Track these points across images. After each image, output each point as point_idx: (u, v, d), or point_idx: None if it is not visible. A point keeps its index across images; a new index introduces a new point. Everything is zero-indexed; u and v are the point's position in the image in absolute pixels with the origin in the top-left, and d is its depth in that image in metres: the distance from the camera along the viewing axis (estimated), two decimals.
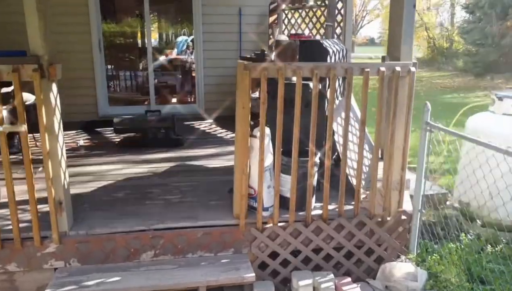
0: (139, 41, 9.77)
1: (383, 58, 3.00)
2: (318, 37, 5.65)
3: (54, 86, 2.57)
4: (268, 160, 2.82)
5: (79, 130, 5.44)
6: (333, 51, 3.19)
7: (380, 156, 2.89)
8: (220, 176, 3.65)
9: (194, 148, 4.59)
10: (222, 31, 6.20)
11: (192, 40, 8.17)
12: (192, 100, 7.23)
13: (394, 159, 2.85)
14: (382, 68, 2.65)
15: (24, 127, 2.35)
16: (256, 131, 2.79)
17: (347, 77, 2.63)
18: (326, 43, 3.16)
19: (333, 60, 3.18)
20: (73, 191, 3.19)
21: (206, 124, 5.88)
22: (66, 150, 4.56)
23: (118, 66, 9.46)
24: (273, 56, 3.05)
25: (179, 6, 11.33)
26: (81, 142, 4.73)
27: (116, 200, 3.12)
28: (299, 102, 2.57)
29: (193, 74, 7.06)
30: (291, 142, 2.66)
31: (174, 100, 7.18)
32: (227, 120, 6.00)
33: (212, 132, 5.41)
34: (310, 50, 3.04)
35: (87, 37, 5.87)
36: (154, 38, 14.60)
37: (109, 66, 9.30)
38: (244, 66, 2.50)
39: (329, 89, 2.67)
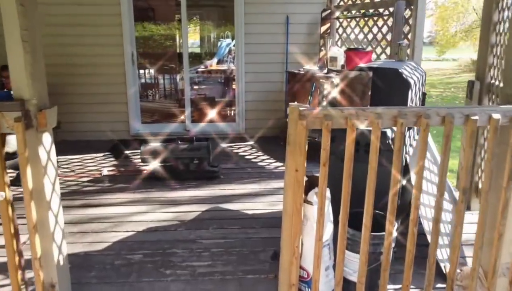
0: (176, 49, 9.31)
1: (471, 84, 2.19)
2: (379, 53, 4.83)
3: (46, 138, 1.98)
4: (328, 232, 2.10)
5: (107, 153, 4.93)
6: (414, 82, 2.41)
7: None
8: (260, 228, 2.96)
9: (231, 182, 3.93)
10: (267, 42, 5.51)
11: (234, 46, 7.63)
12: (232, 114, 6.60)
13: (505, 236, 2.03)
14: (496, 116, 1.85)
15: (2, 196, 1.75)
16: (312, 195, 2.07)
17: (445, 127, 1.85)
18: (406, 71, 2.38)
19: (413, 94, 2.40)
20: (82, 248, 2.61)
21: (247, 148, 5.20)
22: (88, 181, 4.09)
23: (153, 77, 9.03)
24: (335, 91, 2.30)
25: (221, 13, 10.80)
26: (105, 172, 4.20)
27: (131, 266, 2.49)
28: (375, 161, 1.82)
29: (234, 86, 6.43)
30: (355, 206, 1.93)
31: (212, 114, 6.59)
32: (270, 143, 5.32)
33: (253, 159, 4.72)
34: (385, 82, 2.29)
35: (119, 50, 5.36)
36: (193, 43, 14.23)
37: (142, 80, 8.93)
38: (300, 113, 1.78)
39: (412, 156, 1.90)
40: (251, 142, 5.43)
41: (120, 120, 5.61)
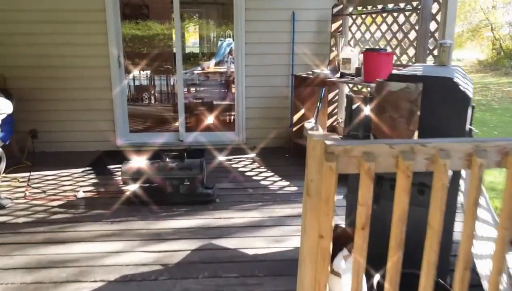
0: (169, 49, 8.68)
1: None
2: (399, 55, 4.20)
3: None
4: None
5: (87, 169, 4.31)
6: (471, 95, 1.78)
7: None
8: (263, 277, 2.34)
9: (228, 208, 3.31)
10: (270, 41, 4.89)
11: None
12: (231, 122, 5.98)
13: None
14: None
15: None
16: (340, 262, 1.45)
17: None
18: (460, 81, 1.76)
19: (470, 113, 1.77)
20: None
21: (247, 162, 4.58)
22: (60, 206, 3.48)
23: (147, 79, 8.41)
24: (369, 110, 1.67)
25: (222, 11, 10.17)
26: (81, 194, 3.58)
27: None
28: (438, 224, 1.20)
29: (234, 91, 5.81)
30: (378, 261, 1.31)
31: (209, 121, 5.97)
32: (273, 155, 4.70)
33: (255, 176, 4.10)
34: (433, 96, 1.66)
35: (104, 51, 4.74)
36: (194, 42, 13.60)
37: (137, 82, 8.30)
38: (327, 151, 1.15)
39: None
40: (253, 155, 4.80)
41: (105, 130, 4.99)
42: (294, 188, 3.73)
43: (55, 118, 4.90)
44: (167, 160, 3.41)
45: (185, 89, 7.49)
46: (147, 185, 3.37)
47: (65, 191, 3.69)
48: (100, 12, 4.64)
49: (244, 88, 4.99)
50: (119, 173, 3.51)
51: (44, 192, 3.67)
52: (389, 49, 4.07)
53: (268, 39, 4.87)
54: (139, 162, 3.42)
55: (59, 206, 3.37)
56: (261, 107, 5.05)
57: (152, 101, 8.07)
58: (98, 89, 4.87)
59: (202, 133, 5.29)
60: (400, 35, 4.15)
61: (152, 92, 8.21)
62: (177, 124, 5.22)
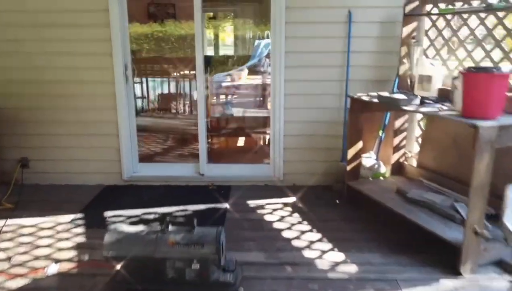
0: (191, 56, 7.64)
1: None
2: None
3: None
4: None
5: (78, 216, 3.34)
6: None
7: None
8: None
9: None
10: (318, 49, 3.74)
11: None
12: (266, 151, 4.88)
13: None
14: None
15: None
16: None
17: None
18: None
19: None
20: None
21: (285, 211, 3.45)
22: (20, 287, 2.47)
23: (170, 89, 7.43)
24: None
25: (260, 9, 9.06)
26: (53, 268, 2.59)
27: None
28: None
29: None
30: None
31: (238, 148, 4.91)
32: (320, 200, 3.61)
33: (294, 241, 2.97)
34: None
35: (107, 61, 3.77)
36: (227, 44, 12.59)
37: (140, 100, 7.28)
38: None
39: None
40: (292, 199, 3.68)
41: (109, 159, 4.02)
42: (353, 268, 2.58)
43: (49, 144, 3.99)
44: (169, 228, 2.35)
45: (214, 99, 6.43)
46: (139, 265, 2.32)
47: (36, 258, 2.72)
48: (101, 13, 3.67)
49: (282, 110, 3.87)
50: (125, 216, 2.49)
51: (9, 259, 2.71)
52: (503, 68, 2.81)
53: (315, 47, 3.73)
54: (128, 230, 2.38)
55: (18, 289, 2.39)
56: (304, 135, 3.92)
57: (181, 112, 7.11)
58: (100, 110, 3.90)
59: (228, 166, 4.21)
60: (507, 45, 2.89)
61: (180, 101, 7.26)
62: (198, 151, 4.17)
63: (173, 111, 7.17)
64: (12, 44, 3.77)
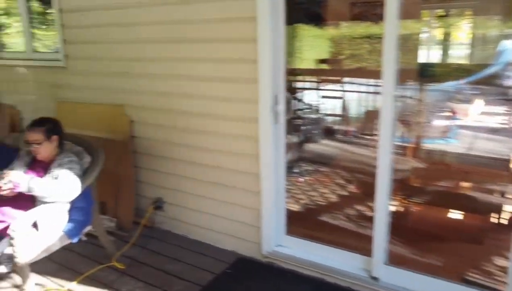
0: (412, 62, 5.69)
1: None
2: None
3: None
4: None
5: None
6: None
7: None
8: None
9: None
10: None
11: None
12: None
13: None
14: None
15: None
16: None
17: None
18: None
19: None
20: None
21: None
22: None
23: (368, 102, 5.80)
24: None
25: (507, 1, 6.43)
26: None
27: None
28: None
29: None
30: None
31: (446, 240, 3.05)
32: None
33: None
34: None
35: (250, 91, 2.63)
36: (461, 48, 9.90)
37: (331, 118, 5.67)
38: None
39: None
40: None
41: (247, 222, 2.92)
42: None
43: (184, 188, 3.17)
44: None
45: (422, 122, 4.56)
46: None
47: None
48: (247, 23, 2.53)
49: None
50: None
51: None
52: None
53: None
54: None
55: None
56: None
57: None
58: (238, 156, 2.82)
59: (422, 276, 2.50)
60: None
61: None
62: (373, 233, 2.61)
63: (367, 135, 5.63)
64: (145, 64, 3.06)
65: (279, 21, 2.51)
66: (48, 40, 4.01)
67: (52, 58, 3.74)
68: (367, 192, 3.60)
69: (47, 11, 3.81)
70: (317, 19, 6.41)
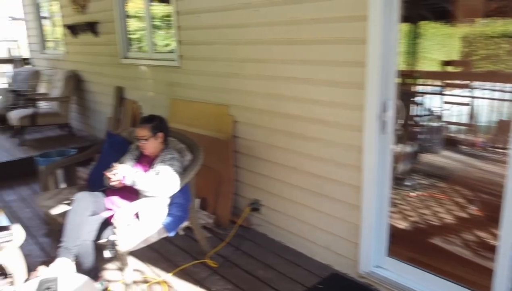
0: None
1: None
2: None
3: None
4: None
5: None
6: None
7: None
8: None
9: None
10: None
11: None
12: None
13: None
14: None
15: None
16: None
17: None
18: None
19: None
20: None
21: None
22: None
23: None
24: None
25: None
26: None
27: None
28: None
29: None
30: None
31: None
32: None
33: None
34: None
35: (357, 96, 2.41)
36: None
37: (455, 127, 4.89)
38: None
39: None
40: None
41: (344, 237, 2.72)
42: None
43: (282, 193, 3.08)
44: None
45: None
46: None
47: None
48: (356, 23, 2.32)
49: None
50: None
51: None
52: None
53: None
54: None
55: None
56: None
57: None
58: (338, 166, 2.62)
59: None
60: None
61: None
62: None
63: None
64: (255, 65, 3.02)
65: (392, 20, 2.25)
66: (166, 41, 4.28)
67: (168, 58, 3.97)
68: (492, 216, 3.12)
69: (167, 14, 4.06)
70: (446, 16, 5.77)
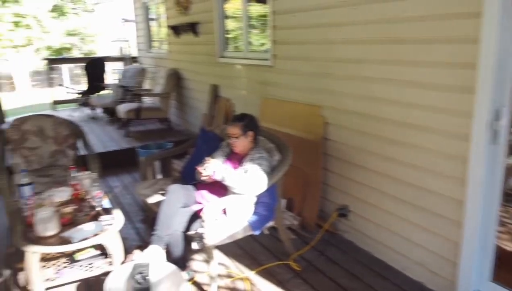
0: None
1: None
2: None
3: None
4: None
5: None
6: None
7: None
8: None
9: None
10: None
11: None
12: None
13: None
14: None
15: None
16: None
17: None
18: None
19: None
20: None
21: None
22: None
23: None
24: None
25: None
26: None
27: None
28: None
29: None
30: None
31: None
32: None
33: None
34: None
35: (465, 102, 2.19)
36: None
37: None
38: None
39: None
40: None
41: (440, 254, 2.49)
42: None
43: (372, 200, 2.93)
44: None
45: None
46: None
47: None
48: (468, 20, 2.09)
49: None
50: None
51: None
52: None
53: None
54: None
55: None
56: None
57: None
58: (437, 176, 2.40)
59: None
60: None
61: None
62: None
63: None
64: (349, 66, 2.90)
65: (510, 17, 1.99)
66: (261, 40, 4.32)
67: (262, 57, 4.01)
68: None
69: (263, 14, 4.09)
70: None
